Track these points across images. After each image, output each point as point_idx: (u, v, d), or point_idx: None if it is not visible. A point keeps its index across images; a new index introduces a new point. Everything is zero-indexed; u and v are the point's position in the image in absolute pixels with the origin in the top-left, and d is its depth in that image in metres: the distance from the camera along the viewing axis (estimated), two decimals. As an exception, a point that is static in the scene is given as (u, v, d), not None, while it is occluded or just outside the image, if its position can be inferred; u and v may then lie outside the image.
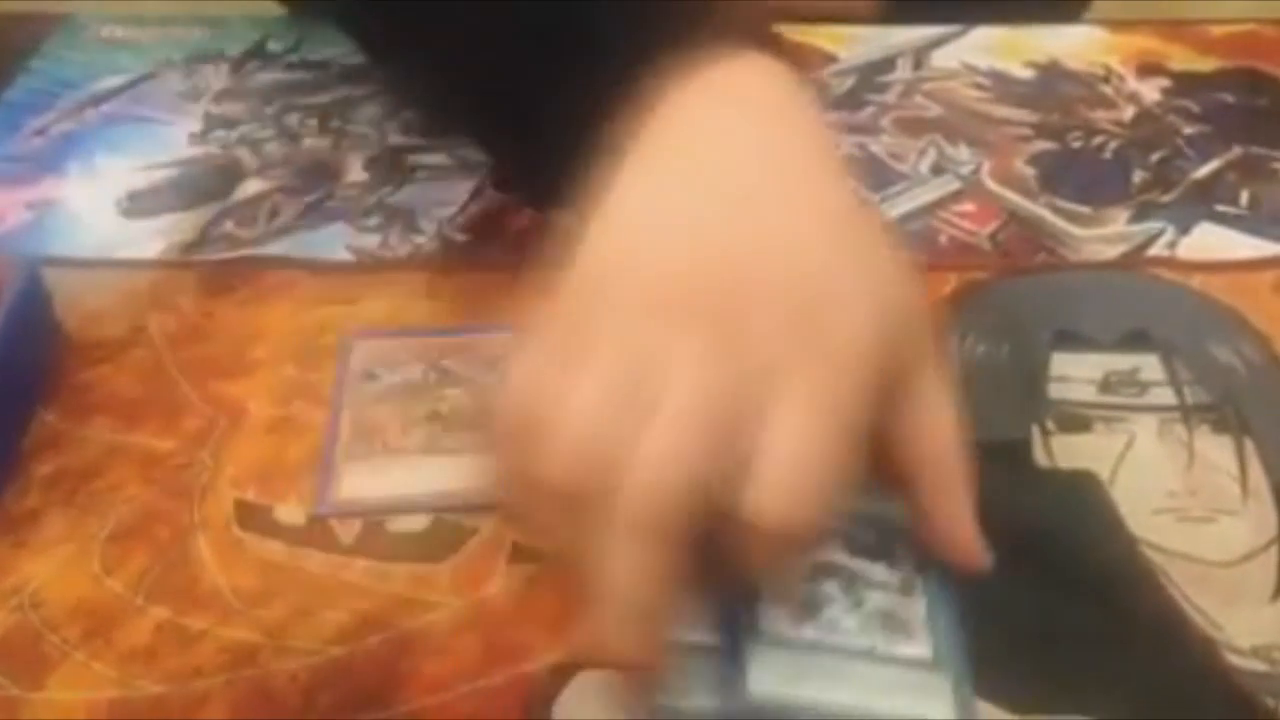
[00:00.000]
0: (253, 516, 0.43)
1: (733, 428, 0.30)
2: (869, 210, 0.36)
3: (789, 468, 0.30)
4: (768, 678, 0.34)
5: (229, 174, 0.59)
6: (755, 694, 0.33)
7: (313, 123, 0.62)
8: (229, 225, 0.56)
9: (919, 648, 0.35)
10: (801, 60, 0.38)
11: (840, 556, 0.36)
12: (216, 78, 0.66)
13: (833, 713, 0.33)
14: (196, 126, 0.62)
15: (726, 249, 0.33)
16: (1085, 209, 0.55)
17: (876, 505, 0.36)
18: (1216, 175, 0.57)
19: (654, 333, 0.31)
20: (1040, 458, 0.43)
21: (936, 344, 0.35)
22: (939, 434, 0.34)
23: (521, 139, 0.43)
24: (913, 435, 0.34)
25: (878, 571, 0.36)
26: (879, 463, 0.34)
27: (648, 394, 0.30)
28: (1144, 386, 0.46)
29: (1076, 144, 0.59)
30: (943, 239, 0.54)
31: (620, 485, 0.30)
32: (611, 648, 0.31)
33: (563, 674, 0.37)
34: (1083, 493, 0.42)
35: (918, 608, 0.35)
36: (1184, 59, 0.64)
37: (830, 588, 0.35)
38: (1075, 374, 0.46)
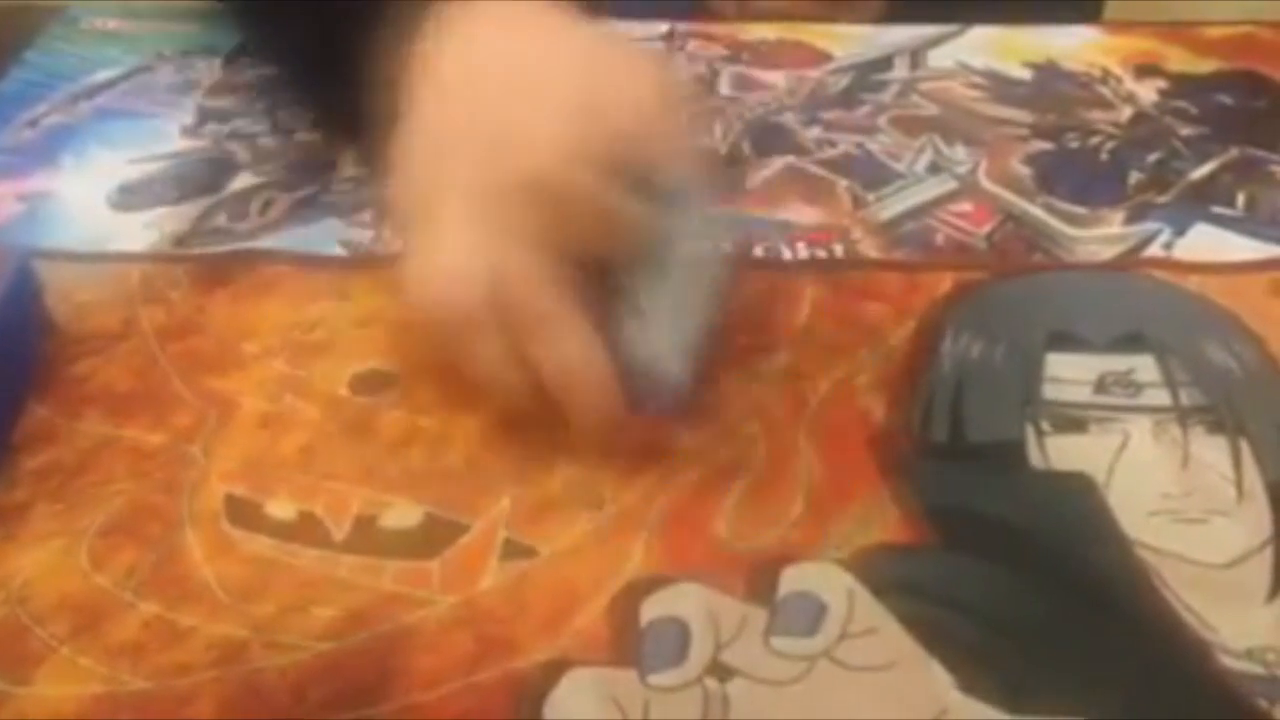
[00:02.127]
0: (243, 512, 0.42)
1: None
2: (617, 55, 0.45)
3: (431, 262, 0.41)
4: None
5: (221, 168, 0.59)
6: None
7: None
8: (221, 219, 0.56)
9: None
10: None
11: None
12: (209, 71, 0.66)
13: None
14: (189, 120, 0.62)
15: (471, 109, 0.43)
16: (1081, 209, 0.55)
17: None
18: (1213, 177, 0.57)
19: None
20: (1035, 458, 0.43)
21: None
22: None
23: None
24: None
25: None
26: None
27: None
28: (1139, 387, 0.46)
29: (1073, 144, 0.59)
30: (939, 238, 0.54)
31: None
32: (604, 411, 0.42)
33: (554, 671, 0.37)
34: (1077, 494, 0.42)
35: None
36: (1181, 60, 0.64)
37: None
38: (1070, 375, 0.46)
